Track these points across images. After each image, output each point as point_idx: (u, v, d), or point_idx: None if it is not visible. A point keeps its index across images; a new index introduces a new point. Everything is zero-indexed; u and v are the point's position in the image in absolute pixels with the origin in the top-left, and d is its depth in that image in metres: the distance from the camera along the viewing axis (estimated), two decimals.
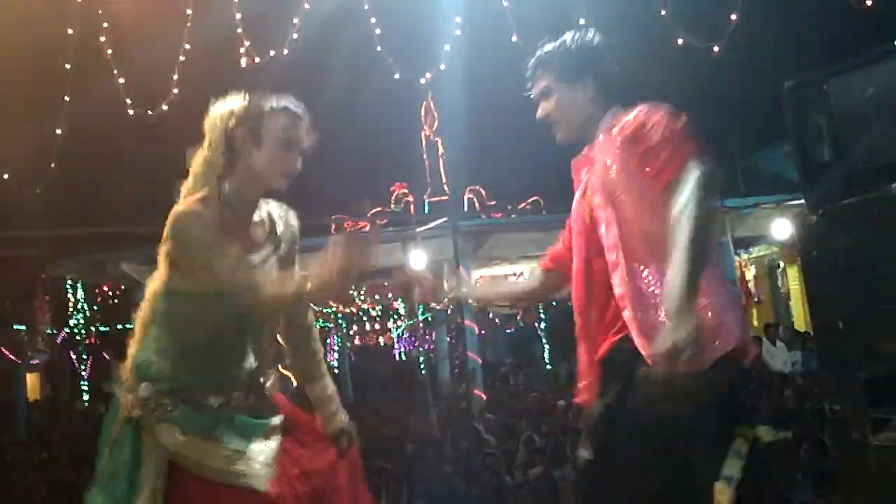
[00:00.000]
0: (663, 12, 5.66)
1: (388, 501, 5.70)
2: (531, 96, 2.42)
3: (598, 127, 2.32)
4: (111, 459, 2.39)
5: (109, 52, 5.74)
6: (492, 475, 5.95)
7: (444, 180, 13.72)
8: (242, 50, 5.34)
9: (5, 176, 6.57)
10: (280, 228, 2.52)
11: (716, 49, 5.94)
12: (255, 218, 2.47)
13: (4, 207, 7.55)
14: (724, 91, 12.50)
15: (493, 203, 14.05)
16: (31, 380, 20.70)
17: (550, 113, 2.38)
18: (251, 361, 2.50)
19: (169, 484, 2.32)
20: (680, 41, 5.91)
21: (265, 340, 2.56)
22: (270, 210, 2.52)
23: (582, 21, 5.94)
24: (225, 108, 2.43)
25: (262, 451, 2.41)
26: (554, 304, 17.88)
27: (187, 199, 2.38)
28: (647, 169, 2.15)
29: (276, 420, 2.53)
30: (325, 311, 16.12)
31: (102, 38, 5.68)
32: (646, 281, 2.16)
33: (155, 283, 2.46)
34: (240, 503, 2.32)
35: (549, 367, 17.09)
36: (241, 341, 2.48)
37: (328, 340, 21.20)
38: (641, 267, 2.18)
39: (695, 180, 2.04)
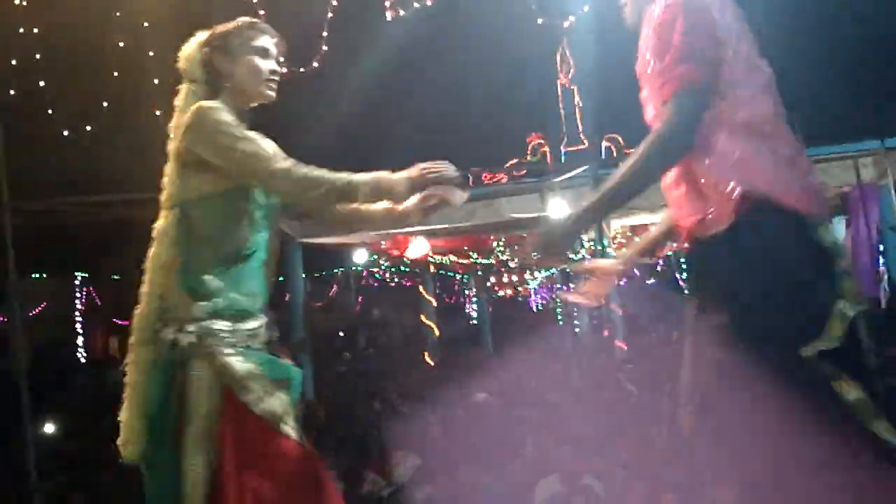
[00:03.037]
0: None
1: (532, 448, 5.78)
2: None
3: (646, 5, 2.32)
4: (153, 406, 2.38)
5: (261, 12, 5.99)
6: (636, 422, 5.92)
7: (580, 129, 13.46)
8: (388, 3, 5.43)
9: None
10: None
11: None
12: None
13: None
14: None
15: (630, 150, 13.67)
16: None
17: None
18: (261, 280, 2.53)
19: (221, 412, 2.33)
20: None
21: (275, 252, 2.61)
22: None
23: None
24: (192, 43, 2.59)
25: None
26: None
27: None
28: (657, 76, 2.21)
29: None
30: (462, 262, 16.31)
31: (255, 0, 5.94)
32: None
33: (173, 202, 2.46)
34: (291, 451, 2.37)
35: None
36: (259, 248, 2.50)
37: (466, 291, 21.49)
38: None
39: (670, 116, 2.13)
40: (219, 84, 2.51)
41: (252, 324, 2.45)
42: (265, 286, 2.56)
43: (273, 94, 2.55)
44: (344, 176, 2.35)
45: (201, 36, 2.60)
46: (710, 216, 2.15)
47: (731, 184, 2.11)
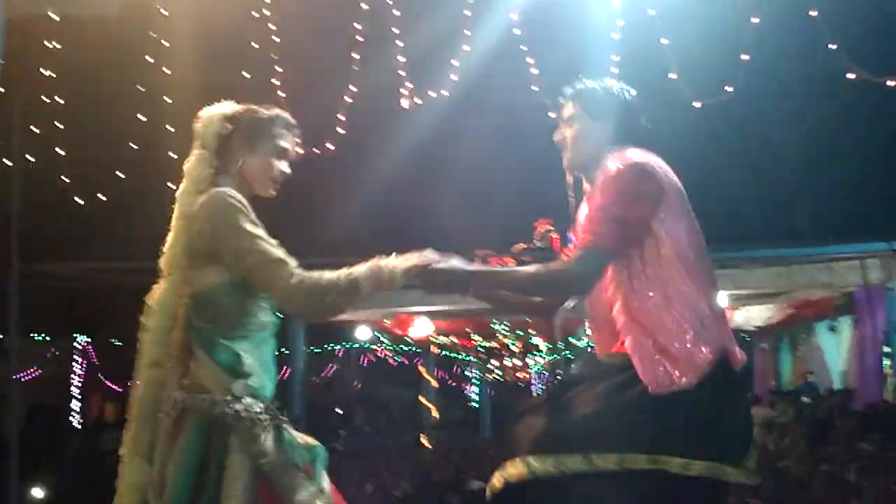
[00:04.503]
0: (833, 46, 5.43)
1: None
2: (555, 116, 2.64)
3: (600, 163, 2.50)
4: (184, 477, 2.27)
5: (283, 95, 6.11)
6: None
7: None
8: (406, 91, 5.58)
9: None
10: None
11: (890, 83, 5.62)
12: None
13: None
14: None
15: None
16: None
17: (567, 138, 2.57)
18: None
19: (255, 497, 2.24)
20: (852, 76, 5.63)
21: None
22: None
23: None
24: (217, 110, 2.50)
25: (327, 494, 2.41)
26: None
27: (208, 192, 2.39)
28: (586, 223, 2.46)
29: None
30: (463, 344, 16.20)
31: (277, 82, 6.08)
32: (648, 312, 2.33)
33: (190, 294, 2.38)
34: None
35: None
36: (272, 341, 2.48)
37: (467, 373, 21.29)
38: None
39: (578, 265, 2.38)
40: (228, 166, 2.45)
41: (275, 403, 2.40)
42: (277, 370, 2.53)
43: (274, 193, 2.52)
44: (344, 275, 2.33)
45: (227, 107, 2.51)
46: (674, 373, 2.25)
47: (700, 345, 2.27)
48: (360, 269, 2.36)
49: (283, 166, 2.52)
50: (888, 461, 6.57)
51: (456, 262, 2.40)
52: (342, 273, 2.34)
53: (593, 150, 2.52)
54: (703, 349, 2.25)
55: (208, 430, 2.29)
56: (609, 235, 2.32)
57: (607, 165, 2.41)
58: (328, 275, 2.33)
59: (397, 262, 2.39)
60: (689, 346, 2.25)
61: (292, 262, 2.33)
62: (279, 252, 2.33)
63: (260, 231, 2.34)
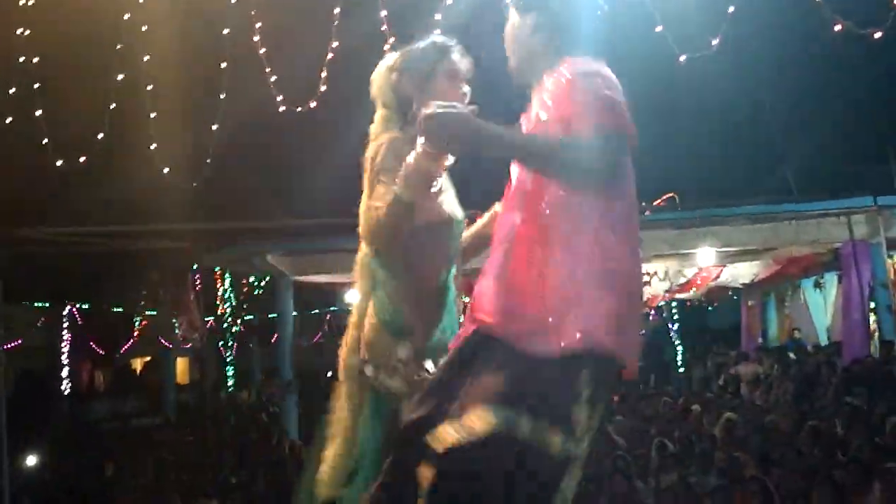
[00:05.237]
0: None
1: None
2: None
3: (543, 71, 2.15)
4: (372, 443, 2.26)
5: (262, 50, 6.02)
6: (622, 478, 5.84)
7: None
8: (387, 47, 5.49)
9: (165, 171, 7.00)
10: None
11: (876, 35, 5.56)
12: None
13: (163, 201, 8.06)
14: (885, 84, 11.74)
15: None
16: (182, 364, 22.06)
17: (505, 40, 2.27)
18: (456, 321, 2.39)
19: None
20: (838, 27, 5.57)
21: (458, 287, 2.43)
22: None
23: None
24: (381, 68, 2.45)
25: None
26: (688, 303, 17.35)
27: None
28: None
29: None
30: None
31: (256, 38, 5.98)
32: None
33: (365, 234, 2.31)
34: None
35: (681, 370, 16.55)
36: (450, 282, 2.39)
37: None
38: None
39: (603, 149, 1.92)
40: (409, 110, 2.37)
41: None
42: (456, 321, 2.40)
43: None
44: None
45: (390, 59, 2.45)
46: (541, 335, 1.87)
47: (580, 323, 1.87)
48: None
49: (461, 88, 2.38)
50: (874, 415, 6.66)
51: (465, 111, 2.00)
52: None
53: (524, 49, 2.20)
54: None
55: (382, 407, 2.27)
56: (619, 118, 1.97)
57: (558, 75, 2.07)
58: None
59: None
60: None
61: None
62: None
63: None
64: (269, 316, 15.13)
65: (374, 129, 2.42)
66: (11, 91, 6.58)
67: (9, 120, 6.70)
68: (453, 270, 2.41)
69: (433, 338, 2.30)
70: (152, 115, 6.43)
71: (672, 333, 17.44)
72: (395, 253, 2.26)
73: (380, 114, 2.42)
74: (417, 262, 2.29)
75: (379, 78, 2.44)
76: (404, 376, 2.22)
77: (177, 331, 14.21)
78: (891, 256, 11.56)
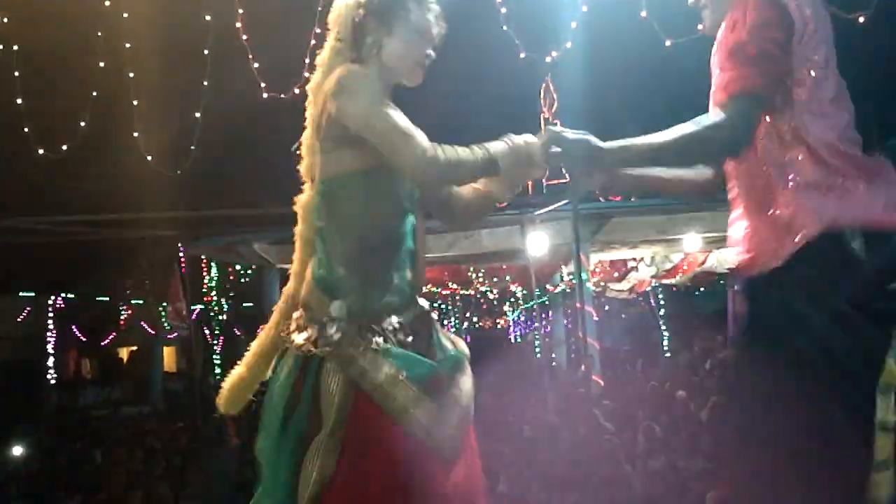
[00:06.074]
0: None
1: (506, 485, 5.70)
2: None
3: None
4: (279, 400, 2.17)
5: (245, 37, 5.97)
6: (611, 462, 5.88)
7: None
8: None
9: (149, 158, 6.95)
10: None
11: (861, 20, 5.56)
12: None
13: (148, 189, 7.99)
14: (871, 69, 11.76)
15: None
16: (168, 353, 22.01)
17: None
18: (411, 270, 2.27)
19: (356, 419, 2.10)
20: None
21: (422, 240, 2.31)
22: None
23: None
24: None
25: (455, 413, 2.20)
26: (674, 288, 17.43)
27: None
28: (722, 71, 2.10)
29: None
30: (443, 292, 16.24)
31: (238, 24, 5.93)
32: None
33: (316, 185, 2.25)
34: (425, 459, 2.10)
35: (667, 354, 16.65)
36: (405, 235, 2.26)
37: (445, 322, 21.40)
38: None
39: (730, 117, 2.02)
40: (366, 52, 2.25)
41: (397, 319, 2.20)
42: (417, 277, 2.29)
43: (420, 79, 2.29)
44: (480, 152, 2.13)
45: None
46: (767, 251, 2.08)
47: (810, 216, 2.02)
48: (496, 145, 2.16)
49: (426, 46, 2.28)
50: None
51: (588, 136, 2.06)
52: (476, 148, 2.15)
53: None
54: None
55: (305, 364, 2.17)
56: (755, 76, 2.02)
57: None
58: (462, 149, 2.15)
59: (529, 138, 2.19)
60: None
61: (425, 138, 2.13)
62: (410, 125, 2.13)
63: (394, 108, 2.14)
64: (253, 304, 15.11)
65: (322, 58, 2.32)
66: None
67: None
68: (411, 221, 2.27)
69: (379, 298, 2.18)
70: (135, 103, 6.37)
71: (659, 318, 17.56)
72: (343, 201, 2.18)
73: (331, 45, 2.32)
74: (360, 212, 2.19)
75: (344, 8, 2.30)
76: (336, 337, 2.11)
77: (163, 320, 14.17)
78: None
